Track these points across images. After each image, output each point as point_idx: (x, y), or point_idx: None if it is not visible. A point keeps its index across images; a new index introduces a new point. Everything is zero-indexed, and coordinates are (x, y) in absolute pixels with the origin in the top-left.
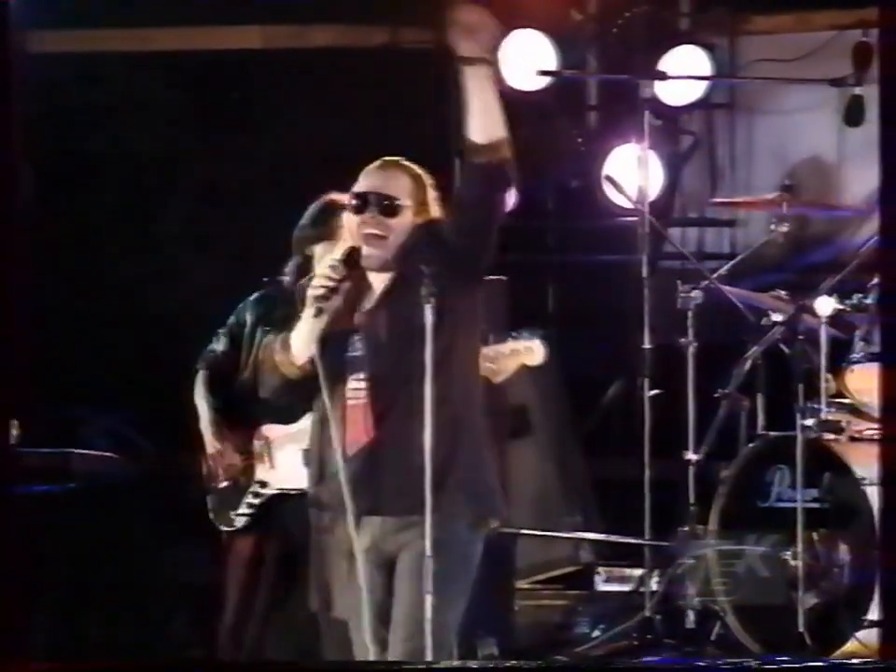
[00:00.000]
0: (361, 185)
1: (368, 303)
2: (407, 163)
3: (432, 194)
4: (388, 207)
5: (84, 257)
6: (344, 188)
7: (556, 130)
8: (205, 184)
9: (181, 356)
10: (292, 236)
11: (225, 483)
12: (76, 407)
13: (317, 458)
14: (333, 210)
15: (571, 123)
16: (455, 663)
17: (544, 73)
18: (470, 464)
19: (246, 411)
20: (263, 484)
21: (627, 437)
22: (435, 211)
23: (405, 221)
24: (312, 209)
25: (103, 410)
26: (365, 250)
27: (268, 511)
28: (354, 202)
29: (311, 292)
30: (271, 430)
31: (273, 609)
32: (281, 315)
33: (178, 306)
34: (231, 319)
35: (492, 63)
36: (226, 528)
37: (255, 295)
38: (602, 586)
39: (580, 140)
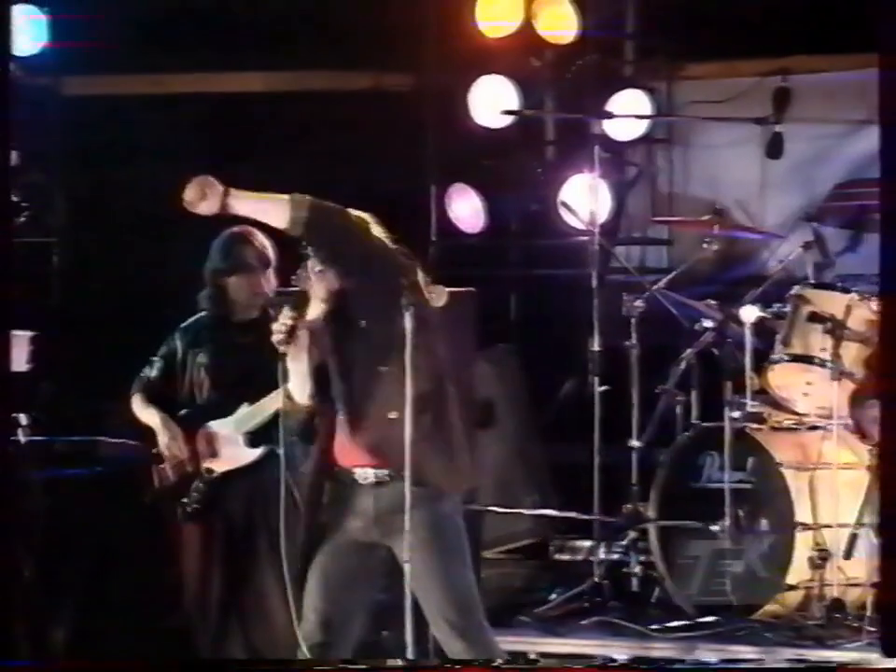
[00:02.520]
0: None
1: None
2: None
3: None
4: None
5: (110, 270)
6: None
7: (519, 161)
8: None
9: None
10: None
11: (174, 478)
12: (103, 400)
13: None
14: (241, 242)
15: (531, 156)
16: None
17: (508, 112)
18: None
19: (190, 416)
20: (209, 471)
21: (579, 427)
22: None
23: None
24: (219, 242)
25: (128, 402)
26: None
27: (215, 492)
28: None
29: (274, 340)
30: (218, 425)
31: (231, 585)
32: (207, 339)
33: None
34: (163, 349)
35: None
36: (179, 514)
37: (184, 324)
38: (557, 556)
39: (539, 170)
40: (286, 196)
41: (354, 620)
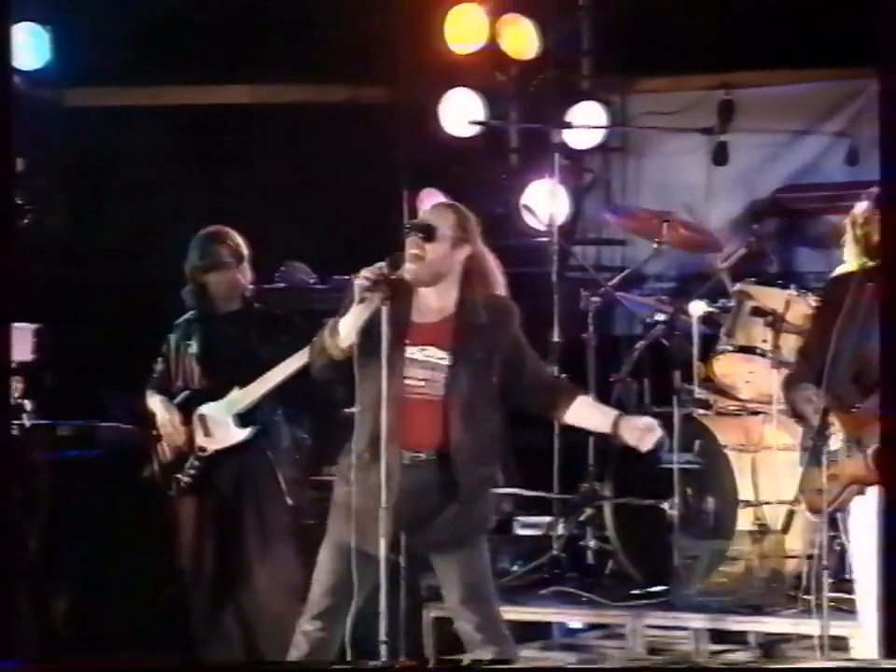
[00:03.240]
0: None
1: (428, 314)
2: (457, 205)
3: (475, 231)
4: (427, 234)
5: (108, 268)
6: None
7: (484, 167)
8: (203, 211)
9: None
10: (184, 267)
11: (171, 456)
12: (102, 387)
13: (365, 452)
14: (215, 241)
15: (496, 162)
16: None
17: (475, 122)
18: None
19: (189, 399)
20: (202, 449)
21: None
22: (476, 245)
23: (443, 247)
24: (195, 242)
25: (124, 390)
26: (407, 265)
27: (207, 469)
28: (405, 229)
29: (357, 282)
30: (209, 409)
31: (222, 554)
32: (197, 331)
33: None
34: (164, 345)
35: None
36: (174, 488)
37: (177, 321)
38: (519, 531)
39: (503, 176)
40: None
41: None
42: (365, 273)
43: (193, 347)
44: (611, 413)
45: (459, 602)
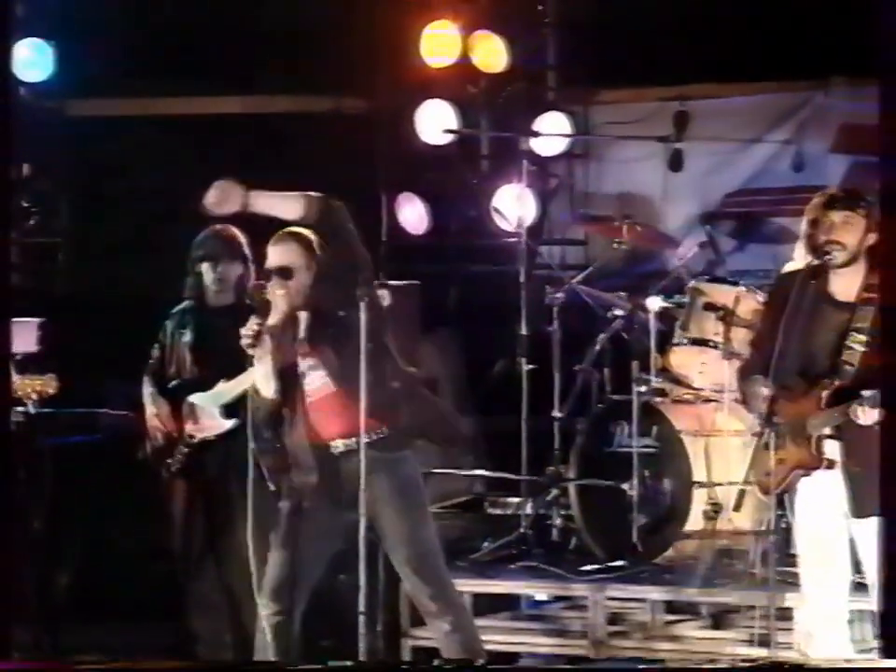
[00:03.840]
0: (267, 261)
1: (303, 332)
2: (297, 231)
3: (315, 243)
4: (285, 275)
5: (107, 265)
6: None
7: (457, 173)
8: (195, 213)
9: None
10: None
11: (163, 442)
12: (102, 377)
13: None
14: (214, 235)
15: (468, 168)
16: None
17: (449, 131)
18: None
19: (180, 388)
20: (191, 437)
21: (509, 400)
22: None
23: (300, 277)
24: (198, 237)
25: (122, 379)
26: (278, 308)
27: (195, 455)
28: (266, 274)
29: (243, 344)
30: (198, 398)
31: (208, 533)
32: (191, 321)
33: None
34: (160, 334)
35: (251, 191)
36: (165, 472)
37: (173, 310)
38: (490, 510)
39: (474, 181)
40: (298, 193)
41: (314, 572)
42: (244, 335)
43: (186, 336)
44: None
45: (413, 573)
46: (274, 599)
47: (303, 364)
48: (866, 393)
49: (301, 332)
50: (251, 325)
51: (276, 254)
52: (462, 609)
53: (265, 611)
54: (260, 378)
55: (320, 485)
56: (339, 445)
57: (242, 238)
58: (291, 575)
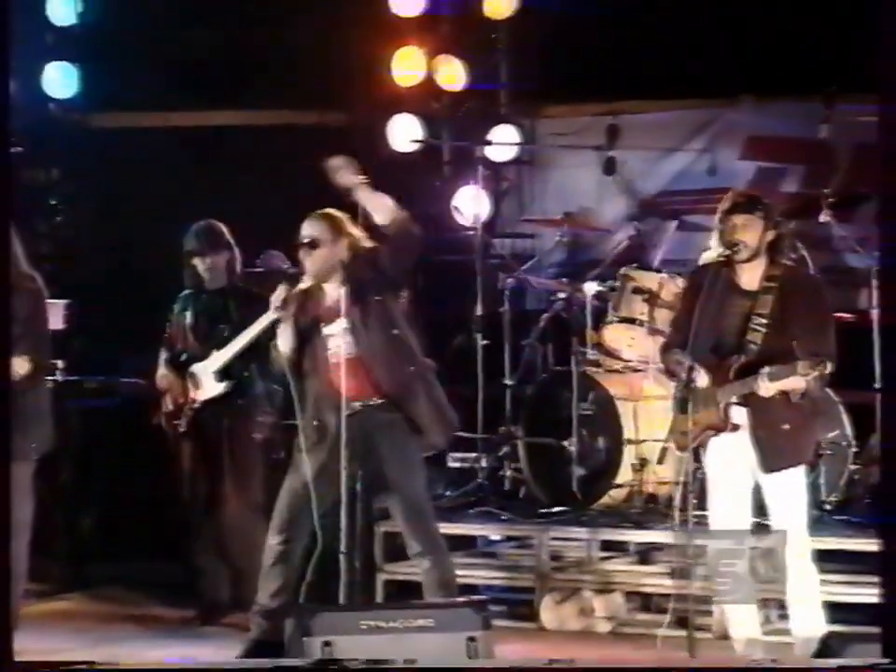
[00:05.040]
0: (300, 234)
1: (331, 299)
2: (328, 212)
3: (346, 225)
4: (312, 244)
5: (123, 255)
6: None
7: (423, 176)
8: (202, 210)
9: None
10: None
11: (171, 406)
12: (119, 350)
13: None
14: (201, 231)
15: (432, 172)
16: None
17: (415, 141)
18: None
19: (185, 361)
20: (194, 401)
21: (467, 370)
22: (350, 236)
23: (325, 249)
24: (190, 232)
25: (136, 351)
26: (305, 272)
27: (199, 415)
28: (300, 244)
29: (272, 310)
30: (197, 368)
31: (210, 482)
32: (190, 304)
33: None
34: (170, 315)
35: (364, 183)
36: (174, 431)
37: (179, 295)
38: (451, 464)
39: (437, 183)
40: (393, 203)
41: (316, 512)
42: (274, 301)
43: (187, 317)
44: None
45: (404, 520)
46: (281, 531)
47: (329, 328)
48: (765, 369)
49: (330, 300)
50: (280, 291)
51: (306, 228)
52: (443, 550)
53: (272, 541)
54: (281, 336)
55: (328, 437)
56: (355, 405)
57: (222, 228)
58: (296, 512)
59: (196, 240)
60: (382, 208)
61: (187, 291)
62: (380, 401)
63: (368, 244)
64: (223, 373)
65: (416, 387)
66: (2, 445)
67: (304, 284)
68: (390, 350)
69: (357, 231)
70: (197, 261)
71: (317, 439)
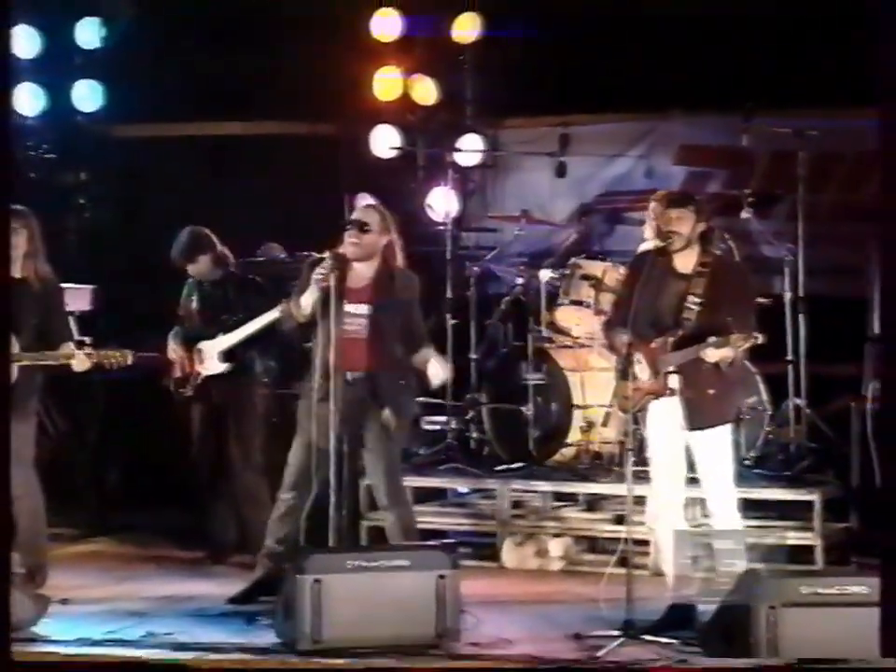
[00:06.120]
0: (353, 215)
1: (359, 281)
2: (381, 207)
3: (392, 224)
4: (362, 228)
5: (142, 245)
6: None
7: (400, 179)
8: (212, 208)
9: None
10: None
11: (180, 375)
12: (137, 328)
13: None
14: (191, 240)
15: (408, 175)
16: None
17: (394, 148)
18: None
19: (192, 337)
20: (198, 374)
21: (439, 345)
22: (391, 234)
23: (372, 236)
24: (176, 242)
25: (151, 330)
26: (349, 251)
27: (203, 385)
28: (347, 224)
29: (315, 276)
30: (203, 344)
31: (216, 445)
32: (194, 289)
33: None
34: (181, 297)
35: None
36: (181, 397)
37: (187, 282)
38: (425, 427)
39: (413, 184)
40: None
41: (321, 470)
42: (319, 270)
43: (194, 302)
44: (427, 356)
45: (378, 477)
46: (291, 488)
47: (352, 307)
48: (711, 339)
49: (361, 281)
50: (326, 263)
51: (360, 213)
52: (407, 506)
53: (283, 496)
54: (306, 298)
55: (327, 402)
56: (355, 374)
57: (202, 231)
58: (304, 470)
59: (180, 249)
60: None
61: (191, 280)
62: (375, 374)
63: (401, 254)
64: (227, 354)
65: (400, 366)
66: (2, 445)
67: (349, 255)
68: (392, 336)
69: (395, 231)
70: (189, 267)
71: (318, 401)
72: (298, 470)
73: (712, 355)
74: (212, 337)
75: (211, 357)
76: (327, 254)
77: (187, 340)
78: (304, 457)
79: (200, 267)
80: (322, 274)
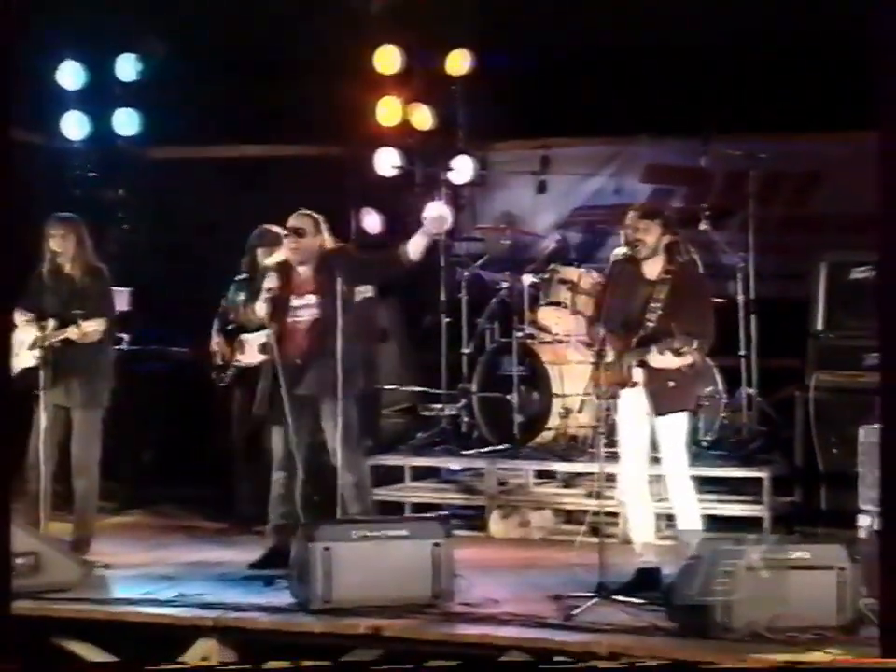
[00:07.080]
0: (288, 223)
1: (299, 280)
2: (311, 213)
3: (323, 227)
4: (298, 234)
5: (176, 253)
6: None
7: (401, 194)
8: (237, 222)
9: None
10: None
11: (220, 362)
12: (172, 325)
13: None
14: (264, 233)
15: (408, 191)
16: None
17: (396, 167)
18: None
19: (232, 329)
20: (238, 362)
21: (433, 341)
22: (324, 236)
23: (307, 240)
24: (256, 232)
25: (184, 327)
26: (290, 256)
27: (241, 373)
28: (284, 231)
29: (265, 285)
30: (245, 336)
31: (251, 425)
32: (245, 287)
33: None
34: (226, 293)
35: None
36: (220, 383)
37: (235, 279)
38: (422, 413)
39: (411, 199)
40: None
41: (301, 450)
42: (267, 283)
43: (241, 297)
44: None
45: (340, 444)
46: (280, 468)
47: (298, 301)
48: (653, 346)
49: (303, 279)
50: (272, 278)
51: (294, 220)
52: (363, 472)
53: (276, 476)
54: (261, 305)
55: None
56: (304, 358)
57: (278, 229)
58: (288, 450)
59: (261, 238)
60: (421, 251)
61: (243, 276)
62: (321, 355)
63: (334, 244)
64: (265, 347)
65: (346, 347)
66: (2, 446)
67: (290, 259)
68: (333, 321)
69: (326, 232)
70: (257, 251)
71: (288, 385)
72: (280, 451)
73: (656, 358)
74: (253, 330)
75: (251, 348)
76: (273, 263)
77: (229, 333)
78: (280, 439)
79: (264, 254)
80: (270, 286)
